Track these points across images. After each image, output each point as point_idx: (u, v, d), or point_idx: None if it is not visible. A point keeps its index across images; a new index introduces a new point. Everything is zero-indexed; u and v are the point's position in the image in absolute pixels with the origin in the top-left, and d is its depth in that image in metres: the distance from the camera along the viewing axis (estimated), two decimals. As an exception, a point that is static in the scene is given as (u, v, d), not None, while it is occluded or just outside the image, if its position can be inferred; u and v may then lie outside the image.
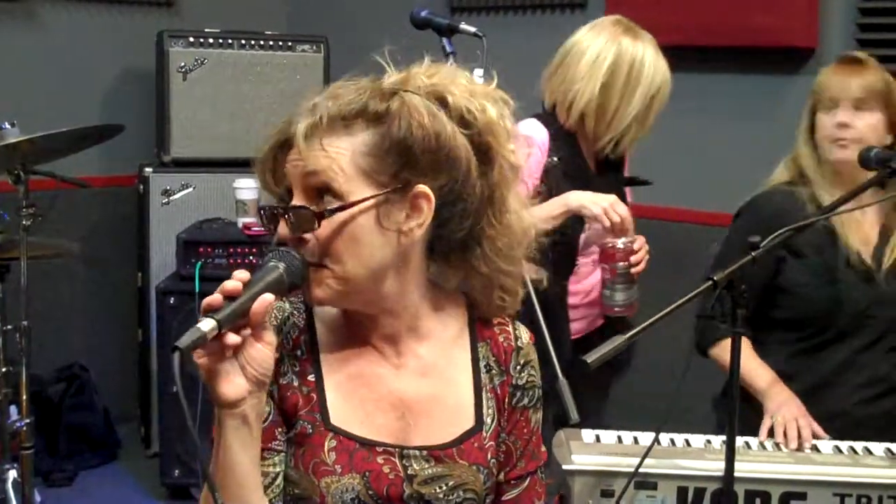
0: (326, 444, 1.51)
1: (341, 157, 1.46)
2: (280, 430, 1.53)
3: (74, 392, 4.46)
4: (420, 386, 1.59)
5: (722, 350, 2.55)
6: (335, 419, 1.53)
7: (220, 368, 1.37)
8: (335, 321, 1.61)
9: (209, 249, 4.02)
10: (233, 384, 1.38)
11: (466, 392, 1.62)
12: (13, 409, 3.12)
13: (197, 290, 3.91)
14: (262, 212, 1.53)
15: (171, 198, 4.40)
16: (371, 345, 1.59)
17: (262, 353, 1.39)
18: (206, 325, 1.32)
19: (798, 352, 2.63)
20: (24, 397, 3.01)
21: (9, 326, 3.08)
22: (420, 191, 1.49)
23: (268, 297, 1.37)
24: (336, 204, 1.46)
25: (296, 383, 1.54)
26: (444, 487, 1.55)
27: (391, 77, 1.56)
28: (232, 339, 1.36)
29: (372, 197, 1.47)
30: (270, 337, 1.41)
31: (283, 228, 1.48)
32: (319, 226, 1.46)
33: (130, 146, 4.37)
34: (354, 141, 1.47)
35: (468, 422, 1.60)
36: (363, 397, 1.56)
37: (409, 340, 1.60)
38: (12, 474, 3.09)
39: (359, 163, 1.46)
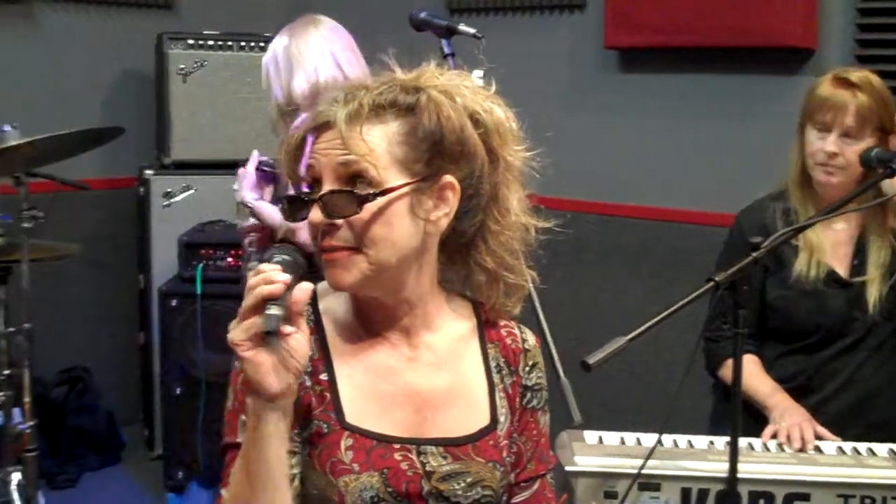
0: (343, 442, 1.51)
1: (378, 145, 1.49)
2: (295, 431, 1.53)
3: (77, 394, 4.47)
4: (436, 379, 1.60)
5: (729, 370, 2.57)
6: (350, 417, 1.53)
7: (268, 361, 1.37)
8: (344, 316, 1.61)
9: (210, 252, 4.03)
10: (278, 377, 1.38)
11: (480, 390, 1.64)
12: (17, 411, 3.12)
13: (199, 292, 3.92)
14: (285, 199, 1.52)
15: (171, 200, 4.41)
16: (383, 337, 1.60)
17: (302, 343, 1.40)
18: (278, 310, 1.34)
19: (782, 354, 2.67)
20: (28, 400, 3.01)
21: (11, 329, 3.08)
22: (447, 181, 1.53)
23: (308, 286, 1.39)
24: (373, 190, 1.48)
25: (308, 383, 1.54)
26: (463, 484, 1.56)
27: (402, 75, 1.58)
28: (288, 328, 1.37)
29: (409, 184, 1.50)
30: (305, 327, 1.42)
31: (316, 214, 1.48)
32: (361, 210, 1.47)
33: (131, 148, 4.38)
34: (388, 130, 1.50)
35: (483, 419, 1.62)
36: (378, 392, 1.57)
37: (423, 332, 1.61)
38: (16, 477, 3.10)
39: (394, 151, 1.50)
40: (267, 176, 3.24)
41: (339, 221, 1.48)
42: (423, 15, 2.81)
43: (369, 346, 1.59)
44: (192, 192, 4.42)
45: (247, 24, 4.73)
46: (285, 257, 1.43)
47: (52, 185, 3.53)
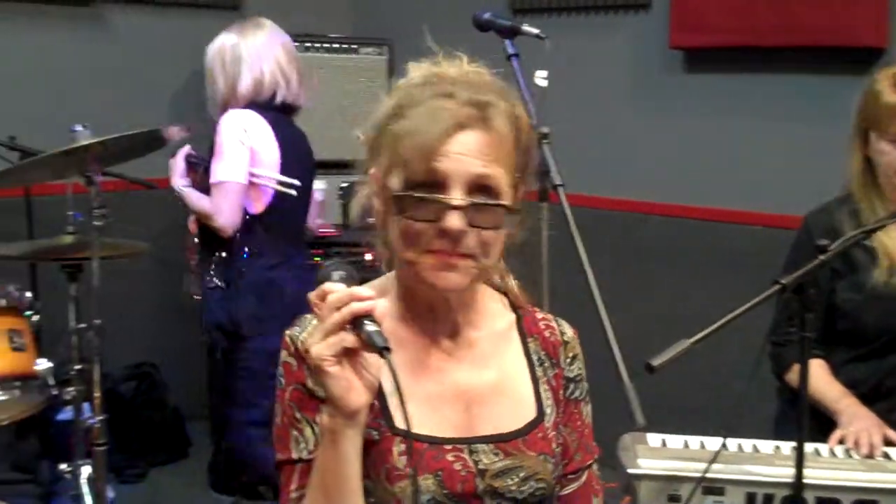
0: (395, 448, 1.51)
1: (504, 155, 1.51)
2: None
3: (145, 390, 4.55)
4: (482, 375, 1.61)
5: (797, 374, 2.54)
6: (400, 421, 1.52)
7: (350, 377, 1.37)
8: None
9: (275, 250, 4.05)
10: (358, 392, 1.38)
11: (525, 383, 1.65)
12: (86, 406, 3.18)
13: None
14: (418, 198, 1.47)
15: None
16: (429, 337, 1.61)
17: (375, 357, 1.39)
18: (376, 325, 1.35)
19: (850, 359, 2.63)
20: (97, 395, 3.06)
21: (82, 325, 3.14)
22: (524, 188, 1.58)
23: (385, 302, 1.39)
24: (499, 201, 1.49)
25: None
26: (517, 479, 1.56)
27: (449, 69, 1.57)
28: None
29: (522, 196, 1.55)
30: None
31: (456, 221, 1.46)
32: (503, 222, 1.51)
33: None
34: (504, 139, 1.51)
35: (530, 413, 1.63)
36: (426, 393, 1.57)
37: (469, 330, 1.63)
38: (86, 470, 3.16)
39: (508, 161, 1.52)
40: (194, 167, 3.56)
41: (471, 229, 1.48)
42: (486, 15, 2.81)
43: (414, 348, 1.60)
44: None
45: (313, 26, 4.76)
46: (343, 273, 1.43)
47: (122, 183, 3.60)
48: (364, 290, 1.38)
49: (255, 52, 3.51)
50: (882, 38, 3.60)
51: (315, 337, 1.37)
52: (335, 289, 1.38)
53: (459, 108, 1.47)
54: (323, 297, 1.38)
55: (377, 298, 1.38)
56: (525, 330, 1.69)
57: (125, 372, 4.57)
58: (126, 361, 4.59)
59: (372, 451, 1.51)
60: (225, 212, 3.39)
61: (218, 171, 3.40)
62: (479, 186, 1.48)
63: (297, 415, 1.52)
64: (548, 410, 1.64)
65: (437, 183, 1.47)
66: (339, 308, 1.35)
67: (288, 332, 1.57)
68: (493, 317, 1.67)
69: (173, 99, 4.83)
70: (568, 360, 1.69)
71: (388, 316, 1.54)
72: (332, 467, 1.41)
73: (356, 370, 1.38)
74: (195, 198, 3.49)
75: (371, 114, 1.56)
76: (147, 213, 4.51)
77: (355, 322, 1.35)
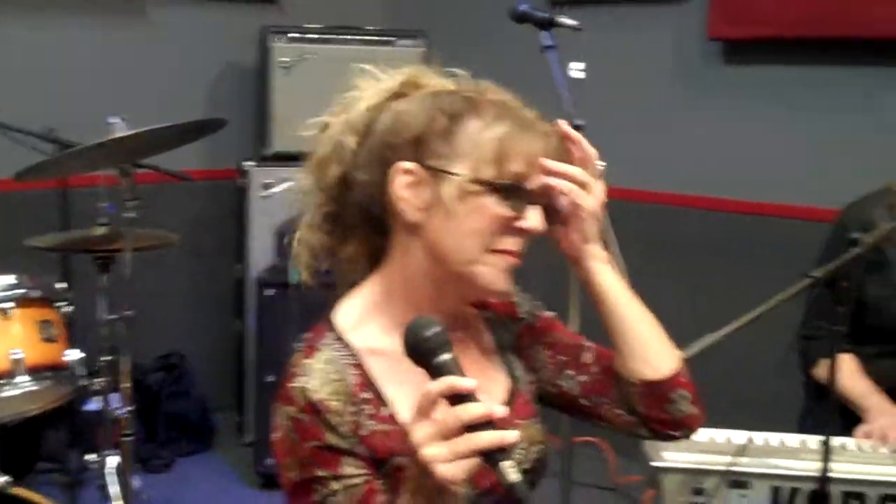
0: None
1: None
2: (377, 482, 1.46)
3: (173, 381, 4.55)
4: (475, 367, 1.59)
5: (825, 368, 2.51)
6: None
7: None
8: (379, 339, 1.55)
9: (307, 242, 4.07)
10: None
11: (497, 358, 1.67)
12: (114, 396, 3.18)
13: (294, 282, 3.96)
14: (520, 192, 1.49)
15: (270, 191, 4.45)
16: None
17: None
18: (508, 459, 1.27)
19: (879, 355, 2.59)
20: (126, 385, 3.06)
21: (113, 316, 3.15)
22: None
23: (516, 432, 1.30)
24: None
25: (376, 427, 1.48)
26: (523, 451, 1.58)
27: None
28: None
29: None
30: None
31: (539, 220, 1.51)
32: None
33: (232, 140, 4.44)
34: None
35: (507, 382, 1.65)
36: None
37: (457, 327, 1.61)
38: (113, 460, 3.16)
39: None
40: None
41: None
42: (523, 7, 2.80)
43: (406, 361, 1.52)
44: (290, 183, 4.45)
45: (349, 18, 4.77)
46: (451, 353, 1.29)
47: (155, 175, 3.61)
48: (494, 406, 1.27)
49: None
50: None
51: (438, 449, 1.26)
52: (464, 385, 1.26)
53: (538, 118, 1.52)
54: (445, 394, 1.27)
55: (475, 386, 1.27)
56: (480, 305, 1.70)
57: (153, 363, 4.58)
58: (155, 352, 4.60)
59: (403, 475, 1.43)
60: None
61: None
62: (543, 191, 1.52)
63: (319, 472, 1.45)
64: (518, 373, 1.67)
65: (522, 184, 1.49)
66: (470, 422, 1.25)
67: (293, 385, 1.48)
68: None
69: (208, 91, 4.84)
70: (516, 306, 1.72)
71: (380, 334, 1.55)
72: None
73: None
74: None
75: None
76: (180, 204, 4.54)
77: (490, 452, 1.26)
